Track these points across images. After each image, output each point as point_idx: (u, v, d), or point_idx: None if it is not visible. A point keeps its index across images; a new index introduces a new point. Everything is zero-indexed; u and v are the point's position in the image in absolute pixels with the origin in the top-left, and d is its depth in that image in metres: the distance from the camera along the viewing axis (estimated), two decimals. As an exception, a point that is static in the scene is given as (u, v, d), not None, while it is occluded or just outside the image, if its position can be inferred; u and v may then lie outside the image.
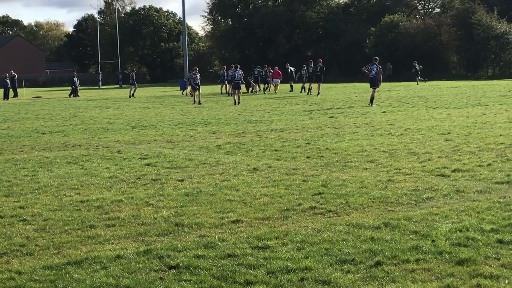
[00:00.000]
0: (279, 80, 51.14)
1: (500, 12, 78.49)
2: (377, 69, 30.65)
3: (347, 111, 26.66)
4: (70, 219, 8.75)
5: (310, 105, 32.07)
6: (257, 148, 15.58)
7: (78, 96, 53.28)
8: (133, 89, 49.66)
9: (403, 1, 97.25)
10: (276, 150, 15.10)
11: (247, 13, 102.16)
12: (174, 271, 6.52)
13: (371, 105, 29.61)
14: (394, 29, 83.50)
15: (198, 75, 38.03)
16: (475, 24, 75.93)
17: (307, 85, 46.16)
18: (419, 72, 58.56)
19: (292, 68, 53.64)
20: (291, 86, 51.37)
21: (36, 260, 6.99)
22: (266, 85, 51.35)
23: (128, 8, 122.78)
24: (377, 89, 30.66)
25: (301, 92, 47.18)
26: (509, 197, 9.27)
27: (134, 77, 51.56)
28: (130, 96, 48.48)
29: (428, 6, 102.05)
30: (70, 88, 56.86)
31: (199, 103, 35.95)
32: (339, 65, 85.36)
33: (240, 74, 36.03)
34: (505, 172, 11.26)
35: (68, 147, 17.02)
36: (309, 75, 45.38)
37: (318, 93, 42.30)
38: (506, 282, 5.95)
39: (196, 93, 37.07)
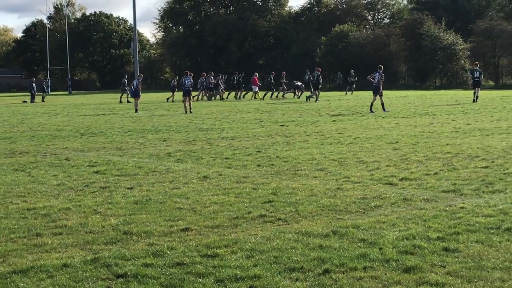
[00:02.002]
0: (257, 88, 51.74)
1: (448, 23, 79.93)
2: (379, 76, 31.35)
3: (297, 120, 26.80)
4: (16, 227, 8.61)
5: (261, 113, 32.17)
6: (207, 156, 15.55)
7: (34, 102, 52.89)
8: (123, 94, 49.57)
9: (353, 11, 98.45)
10: (226, 158, 15.10)
11: (198, 20, 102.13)
12: (121, 279, 6.46)
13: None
14: (344, 38, 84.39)
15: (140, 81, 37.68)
16: (423, 35, 77.17)
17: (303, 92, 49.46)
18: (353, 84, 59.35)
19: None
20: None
21: (-20, 269, 6.85)
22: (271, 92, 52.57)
23: (78, 14, 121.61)
24: (376, 95, 31.65)
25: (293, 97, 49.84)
26: (455, 205, 9.42)
27: (126, 83, 50.91)
28: (120, 102, 48.43)
29: (377, 16, 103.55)
30: (22, 93, 56.69)
31: (136, 111, 35.07)
32: (290, 74, 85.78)
33: (190, 81, 35.46)
34: (451, 180, 11.44)
35: (15, 154, 16.75)
36: (305, 83, 47.22)
37: (316, 99, 43.83)
38: (451, 289, 6.05)
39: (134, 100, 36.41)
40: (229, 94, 54.38)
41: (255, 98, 51.14)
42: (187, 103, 34.34)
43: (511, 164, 13.18)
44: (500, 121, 24.04)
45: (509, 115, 27.02)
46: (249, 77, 55.23)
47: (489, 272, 6.45)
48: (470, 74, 44.28)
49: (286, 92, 52.94)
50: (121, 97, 50.27)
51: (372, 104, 31.37)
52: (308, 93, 45.97)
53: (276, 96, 51.99)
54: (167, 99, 49.92)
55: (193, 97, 51.00)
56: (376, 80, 31.49)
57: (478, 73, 40.15)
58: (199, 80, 51.14)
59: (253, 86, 52.18)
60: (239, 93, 53.34)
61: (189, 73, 36.71)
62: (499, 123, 22.92)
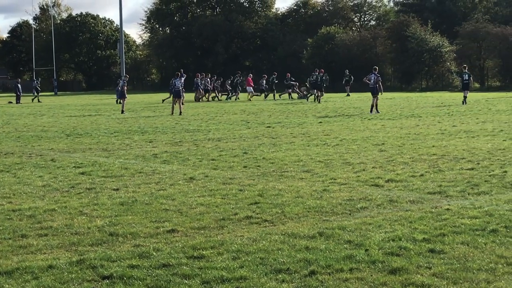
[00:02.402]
0: (251, 88, 51.79)
1: (434, 26, 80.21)
2: (374, 78, 31.54)
3: (284, 121, 26.83)
4: (1, 228, 8.56)
5: (247, 115, 32.17)
6: (194, 157, 15.53)
7: (20, 103, 52.66)
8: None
9: (340, 13, 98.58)
10: (213, 160, 15.09)
11: (185, 22, 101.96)
12: (107, 281, 6.44)
13: (371, 112, 30.81)
14: (330, 40, 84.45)
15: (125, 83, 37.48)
16: (410, 37, 77.37)
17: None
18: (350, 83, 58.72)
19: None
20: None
21: (-36, 271, 6.81)
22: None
23: (64, 15, 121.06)
24: (377, 96, 31.88)
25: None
26: (441, 207, 9.46)
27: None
28: (116, 102, 48.00)
29: (364, 18, 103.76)
30: (8, 94, 56.52)
31: (122, 112, 35.03)
32: (277, 75, 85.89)
33: (180, 83, 34.47)
34: (437, 182, 11.49)
35: (1, 155, 16.66)
36: (311, 83, 47.92)
37: (318, 100, 44.83)
38: (437, 290, 6.07)
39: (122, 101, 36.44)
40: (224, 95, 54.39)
41: (250, 99, 51.14)
42: (176, 105, 33.92)
43: (496, 166, 13.25)
44: (486, 123, 24.16)
45: (495, 117, 27.16)
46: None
47: (474, 273, 6.48)
48: (459, 77, 44.66)
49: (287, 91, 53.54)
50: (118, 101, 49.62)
51: (376, 106, 31.51)
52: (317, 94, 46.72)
53: (280, 96, 52.34)
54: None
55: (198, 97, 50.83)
56: (372, 81, 31.73)
57: (467, 75, 40.46)
58: (195, 80, 50.99)
59: (247, 87, 52.41)
60: (235, 95, 53.47)
61: (180, 74, 35.84)
62: (485, 125, 23.04)
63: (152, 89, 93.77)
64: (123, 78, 39.39)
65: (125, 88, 36.63)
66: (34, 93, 57.66)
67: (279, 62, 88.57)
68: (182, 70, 39.60)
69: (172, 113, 33.10)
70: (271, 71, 64.58)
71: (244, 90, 54.30)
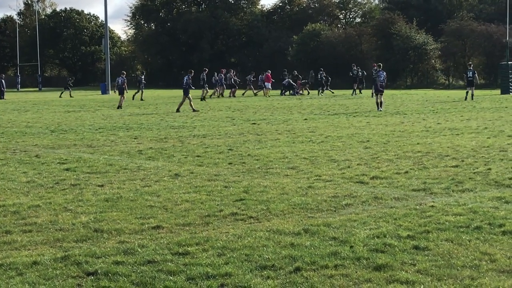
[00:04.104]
0: (270, 84, 51.96)
1: (419, 23, 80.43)
2: (384, 75, 31.73)
3: (269, 118, 26.83)
4: (-15, 224, 8.52)
5: (233, 111, 32.15)
6: (179, 154, 15.51)
7: (4, 98, 52.38)
8: (140, 92, 48.90)
9: (325, 10, 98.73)
10: (198, 156, 15.07)
11: (170, 18, 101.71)
12: (92, 277, 6.42)
13: (380, 109, 31.08)
14: (316, 37, 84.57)
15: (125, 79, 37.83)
16: (395, 34, 77.59)
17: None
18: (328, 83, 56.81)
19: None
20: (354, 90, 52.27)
21: None
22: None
23: (49, 10, 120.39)
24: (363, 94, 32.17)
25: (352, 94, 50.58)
26: (425, 204, 9.50)
27: (143, 81, 51.11)
28: (135, 98, 47.79)
29: (349, 15, 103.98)
30: None
31: (119, 107, 35.76)
32: (260, 72, 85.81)
33: (186, 79, 32.65)
34: (421, 179, 11.53)
35: (-16, 151, 16.57)
36: (359, 79, 50.44)
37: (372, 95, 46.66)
38: (422, 287, 6.09)
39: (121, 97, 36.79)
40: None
41: (269, 96, 51.16)
42: (185, 102, 32.48)
43: (480, 163, 13.32)
44: (470, 120, 24.27)
45: (479, 114, 27.29)
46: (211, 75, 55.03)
47: (458, 270, 6.52)
48: (464, 74, 45.50)
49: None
50: (141, 95, 48.99)
51: (382, 103, 31.61)
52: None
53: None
54: (202, 98, 44.73)
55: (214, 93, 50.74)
56: (382, 78, 31.87)
57: (471, 72, 41.10)
58: (218, 76, 50.93)
59: (265, 83, 52.44)
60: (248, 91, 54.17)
61: (192, 71, 34.21)
62: (469, 123, 23.14)
63: (137, 85, 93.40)
64: (122, 75, 39.39)
65: (125, 85, 37.18)
66: (69, 89, 57.70)
67: (264, 59, 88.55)
68: (206, 69, 40.90)
69: (178, 110, 31.85)
70: (256, 68, 64.51)
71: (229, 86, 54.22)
